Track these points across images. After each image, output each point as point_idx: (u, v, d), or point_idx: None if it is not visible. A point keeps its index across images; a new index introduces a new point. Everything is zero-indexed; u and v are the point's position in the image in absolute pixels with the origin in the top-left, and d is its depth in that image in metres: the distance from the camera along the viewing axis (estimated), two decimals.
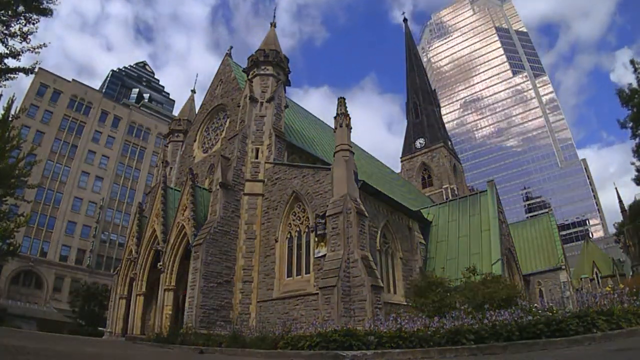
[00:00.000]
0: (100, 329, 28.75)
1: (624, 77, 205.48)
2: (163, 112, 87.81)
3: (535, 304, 9.64)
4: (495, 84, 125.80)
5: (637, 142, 26.11)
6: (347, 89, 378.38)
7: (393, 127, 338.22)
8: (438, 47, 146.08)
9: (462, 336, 8.16)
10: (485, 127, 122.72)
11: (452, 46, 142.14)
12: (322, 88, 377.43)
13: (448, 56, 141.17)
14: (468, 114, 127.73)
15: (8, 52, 12.86)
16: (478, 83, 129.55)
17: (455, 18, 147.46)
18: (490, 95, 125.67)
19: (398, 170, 50.68)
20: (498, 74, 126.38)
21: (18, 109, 22.52)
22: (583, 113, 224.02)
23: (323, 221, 16.39)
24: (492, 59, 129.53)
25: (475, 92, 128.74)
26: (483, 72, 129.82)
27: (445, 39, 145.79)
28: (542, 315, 8.15)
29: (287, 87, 24.35)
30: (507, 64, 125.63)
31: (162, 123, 63.14)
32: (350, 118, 18.36)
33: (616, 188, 58.60)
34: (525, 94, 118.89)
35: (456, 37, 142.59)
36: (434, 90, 67.45)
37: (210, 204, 19.56)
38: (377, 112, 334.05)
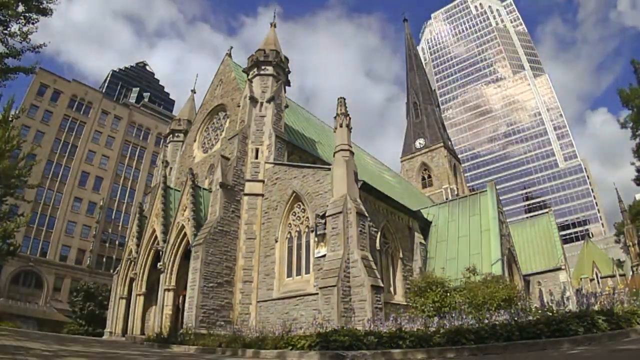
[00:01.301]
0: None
1: (628, 15, 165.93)
2: (163, 112, 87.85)
3: (535, 304, 9.66)
4: (495, 84, 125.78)
5: (637, 142, 26.09)
6: (306, 9, 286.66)
7: (374, 69, 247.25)
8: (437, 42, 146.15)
9: (462, 336, 8.16)
10: (485, 127, 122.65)
11: (453, 48, 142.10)
12: (271, 7, 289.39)
13: (449, 61, 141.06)
14: (468, 114, 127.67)
15: (8, 52, 12.85)
16: (477, 83, 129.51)
17: (455, 19, 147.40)
18: (490, 96, 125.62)
19: (398, 170, 50.72)
20: (498, 73, 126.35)
21: (18, 109, 22.51)
22: (609, 54, 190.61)
23: (323, 221, 16.38)
24: (492, 58, 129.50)
25: (475, 93, 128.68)
26: (482, 72, 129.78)
27: (445, 41, 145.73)
28: (542, 315, 8.16)
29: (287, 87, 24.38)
30: (507, 64, 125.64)
31: (162, 123, 63.13)
32: (350, 118, 18.37)
33: (616, 188, 58.43)
34: (525, 93, 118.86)
35: (454, 39, 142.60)
36: (434, 90, 67.50)
37: (210, 204, 19.56)
38: (348, 45, 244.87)
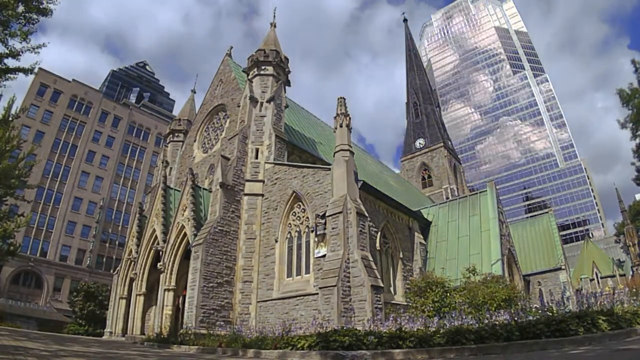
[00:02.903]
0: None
1: None
2: (163, 112, 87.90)
3: (535, 304, 9.65)
4: (494, 84, 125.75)
5: (637, 142, 26.09)
6: None
7: None
8: (438, 48, 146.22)
9: (462, 336, 8.15)
10: (486, 127, 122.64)
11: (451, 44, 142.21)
12: None
13: (449, 63, 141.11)
14: (469, 113, 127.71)
15: (8, 52, 12.84)
16: (477, 83, 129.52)
17: (455, 18, 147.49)
18: (489, 95, 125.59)
19: (397, 171, 50.74)
20: (497, 72, 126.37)
21: (18, 109, 22.46)
22: None
23: (323, 221, 16.38)
24: (491, 57, 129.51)
25: (475, 92, 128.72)
26: (482, 72, 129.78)
27: (444, 41, 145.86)
28: (542, 315, 8.15)
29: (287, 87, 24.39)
30: (507, 63, 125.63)
31: (162, 123, 63.16)
32: (350, 118, 18.37)
33: (616, 189, 58.51)
34: (524, 92, 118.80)
35: (455, 38, 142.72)
36: (434, 90, 67.49)
37: (210, 204, 19.56)
38: None
